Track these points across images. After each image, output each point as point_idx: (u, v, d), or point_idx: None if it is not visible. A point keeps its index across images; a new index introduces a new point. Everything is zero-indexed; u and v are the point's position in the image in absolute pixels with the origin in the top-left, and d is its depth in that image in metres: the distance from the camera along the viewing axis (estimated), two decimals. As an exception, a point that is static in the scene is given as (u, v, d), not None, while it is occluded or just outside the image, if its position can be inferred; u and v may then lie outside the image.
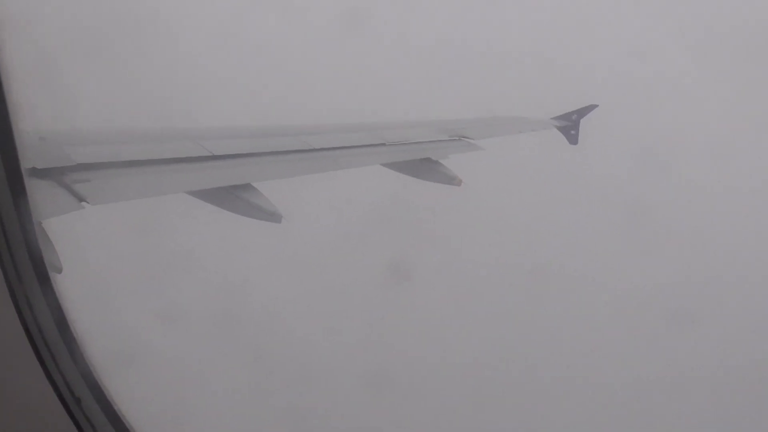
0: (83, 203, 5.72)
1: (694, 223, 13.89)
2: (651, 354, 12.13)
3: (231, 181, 6.78)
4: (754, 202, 14.39)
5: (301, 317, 10.83)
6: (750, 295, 13.03)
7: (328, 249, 11.43)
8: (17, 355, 2.46)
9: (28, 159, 2.52)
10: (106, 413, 2.55)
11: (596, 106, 10.31)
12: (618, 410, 11.26)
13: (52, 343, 2.49)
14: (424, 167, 8.26)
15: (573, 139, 10.10)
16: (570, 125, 10.10)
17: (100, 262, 8.29)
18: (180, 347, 9.09)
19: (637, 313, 12.64)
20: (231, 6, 13.47)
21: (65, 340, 2.52)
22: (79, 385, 2.51)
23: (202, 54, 12.24)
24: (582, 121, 10.10)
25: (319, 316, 10.97)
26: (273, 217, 6.72)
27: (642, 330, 12.35)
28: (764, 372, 11.79)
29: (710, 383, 11.74)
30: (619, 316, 12.57)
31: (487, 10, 15.34)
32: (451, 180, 8.27)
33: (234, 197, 6.69)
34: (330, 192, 9.89)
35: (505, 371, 11.41)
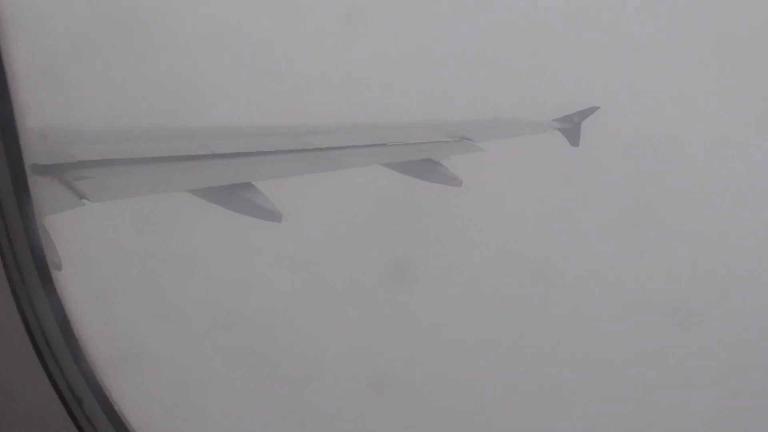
0: (84, 200, 5.71)
1: (696, 224, 13.88)
2: (651, 354, 12.13)
3: (232, 179, 6.77)
4: (755, 203, 14.39)
5: (301, 316, 10.82)
6: (750, 296, 13.02)
7: (328, 248, 11.42)
8: (18, 355, 2.44)
9: (29, 156, 2.51)
10: (107, 414, 2.53)
11: (598, 108, 10.30)
12: (617, 410, 11.26)
13: (53, 343, 2.47)
14: (424, 168, 8.25)
15: (574, 141, 10.08)
16: (571, 127, 10.09)
17: (100, 260, 8.27)
18: (181, 346, 9.08)
19: (639, 314, 12.63)
20: (233, 5, 13.46)
21: (67, 339, 2.50)
22: (81, 386, 2.49)
23: (204, 52, 12.22)
24: (583, 123, 10.09)
25: (319, 315, 10.96)
26: (273, 216, 6.72)
27: (644, 331, 12.35)
28: (764, 372, 11.79)
29: (710, 383, 11.74)
30: (621, 317, 12.57)
31: (490, 10, 15.33)
32: (452, 181, 8.26)
33: (235, 196, 6.68)
34: (330, 192, 9.89)
35: (505, 371, 11.40)
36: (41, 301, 2.48)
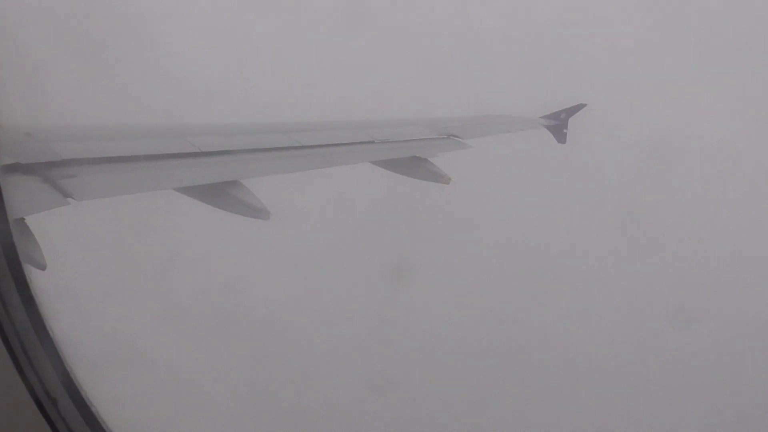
0: (68, 199, 5.68)
1: (683, 221, 13.95)
2: (637, 351, 12.17)
3: (219, 177, 6.76)
4: (744, 201, 14.46)
5: (287, 313, 10.82)
6: (741, 294, 13.08)
7: (316, 246, 11.43)
8: None
9: (12, 154, 2.49)
10: (82, 414, 2.51)
11: (585, 105, 10.37)
12: (615, 410, 11.29)
13: (26, 343, 2.45)
14: (413, 165, 8.27)
15: (561, 138, 10.15)
16: (559, 124, 10.15)
17: (85, 259, 8.24)
18: (163, 347, 9.06)
19: (627, 310, 12.69)
20: (221, 3, 13.44)
21: (41, 340, 2.48)
22: (56, 386, 2.47)
23: (191, 50, 12.20)
24: (570, 120, 10.15)
25: (306, 311, 10.97)
26: (261, 214, 6.71)
27: (632, 327, 12.40)
28: (764, 372, 11.84)
29: (709, 383, 11.79)
30: (609, 313, 12.61)
31: (478, 9, 15.37)
32: (440, 178, 8.28)
33: (222, 194, 6.67)
34: (319, 189, 9.88)
35: (493, 367, 11.43)
36: (14, 302, 2.46)
